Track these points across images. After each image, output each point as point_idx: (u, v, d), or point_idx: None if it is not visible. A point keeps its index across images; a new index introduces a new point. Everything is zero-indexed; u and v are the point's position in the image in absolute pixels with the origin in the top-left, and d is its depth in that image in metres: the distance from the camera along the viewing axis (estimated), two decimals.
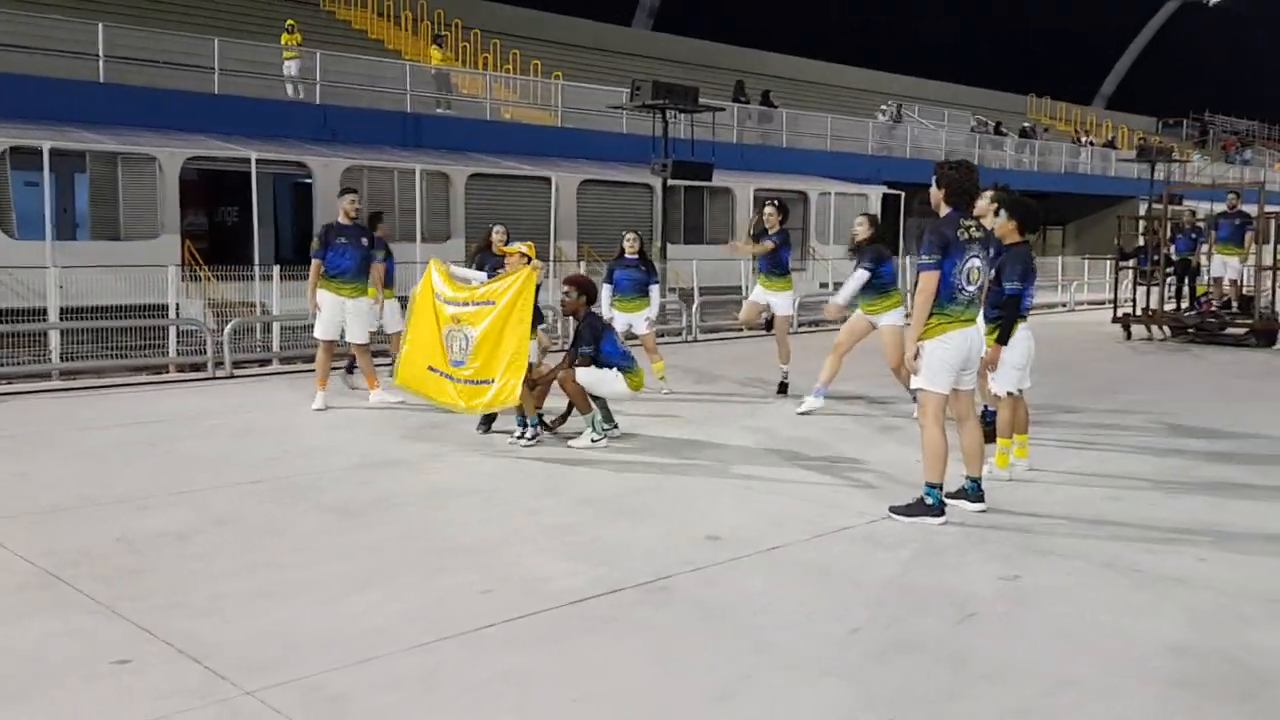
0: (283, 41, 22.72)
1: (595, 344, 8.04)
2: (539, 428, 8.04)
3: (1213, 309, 17.06)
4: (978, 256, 6.09)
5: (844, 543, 5.67)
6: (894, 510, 6.12)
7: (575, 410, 8.18)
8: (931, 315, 5.98)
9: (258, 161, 19.82)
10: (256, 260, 17.89)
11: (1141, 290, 17.45)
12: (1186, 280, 18.20)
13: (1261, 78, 65.95)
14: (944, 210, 6.15)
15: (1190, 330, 16.68)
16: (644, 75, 32.63)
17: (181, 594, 4.71)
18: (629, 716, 3.66)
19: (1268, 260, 16.23)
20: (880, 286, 9.22)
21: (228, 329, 12.44)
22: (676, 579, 5.03)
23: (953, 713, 3.71)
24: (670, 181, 20.18)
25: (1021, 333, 7.08)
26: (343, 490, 6.63)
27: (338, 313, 9.63)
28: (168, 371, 12.88)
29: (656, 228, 23.32)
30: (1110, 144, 44.09)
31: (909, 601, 4.80)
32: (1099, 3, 57.17)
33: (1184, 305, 17.84)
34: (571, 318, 8.53)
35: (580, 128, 26.00)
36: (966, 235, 6.07)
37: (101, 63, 18.76)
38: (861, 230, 9.43)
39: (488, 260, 10.12)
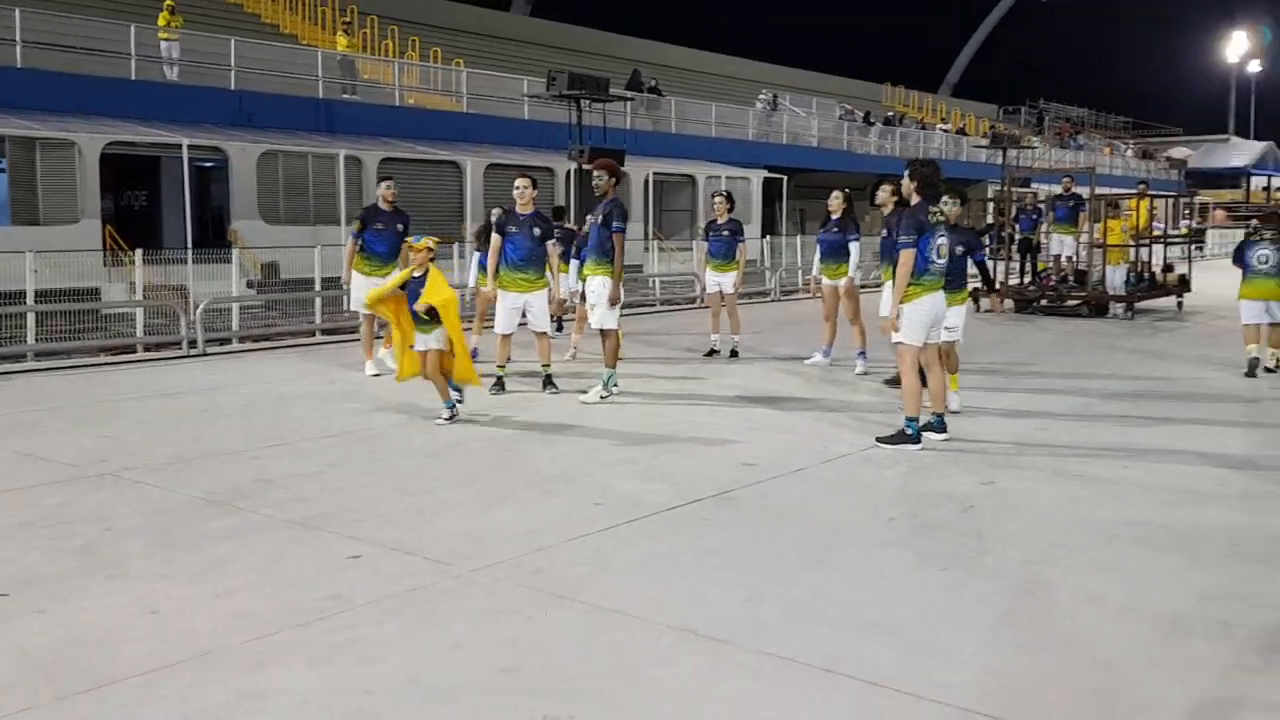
0: (160, 22, 22.61)
1: (626, 221, 9.11)
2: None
3: (1051, 284, 19.10)
4: (944, 236, 7.55)
5: (849, 465, 7.06)
6: (880, 440, 7.55)
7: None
8: (909, 284, 7.41)
9: (169, 146, 20.15)
10: (189, 243, 18.28)
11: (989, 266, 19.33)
12: (1029, 257, 20.10)
13: (1090, 69, 70.82)
14: (915, 199, 7.57)
15: (1035, 303, 18.60)
16: (527, 61, 33.70)
17: (355, 514, 5.75)
18: (760, 575, 4.92)
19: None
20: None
21: (199, 310, 13.10)
22: (737, 492, 6.32)
23: (988, 563, 5.11)
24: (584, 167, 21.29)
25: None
26: (414, 439, 7.69)
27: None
28: (135, 351, 13.44)
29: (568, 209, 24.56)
30: (961, 131, 47.01)
31: (920, 501, 6.21)
32: None
33: (1026, 280, 19.73)
34: (601, 200, 9.24)
35: (484, 114, 26.84)
36: (934, 219, 7.52)
37: (19, 48, 18.77)
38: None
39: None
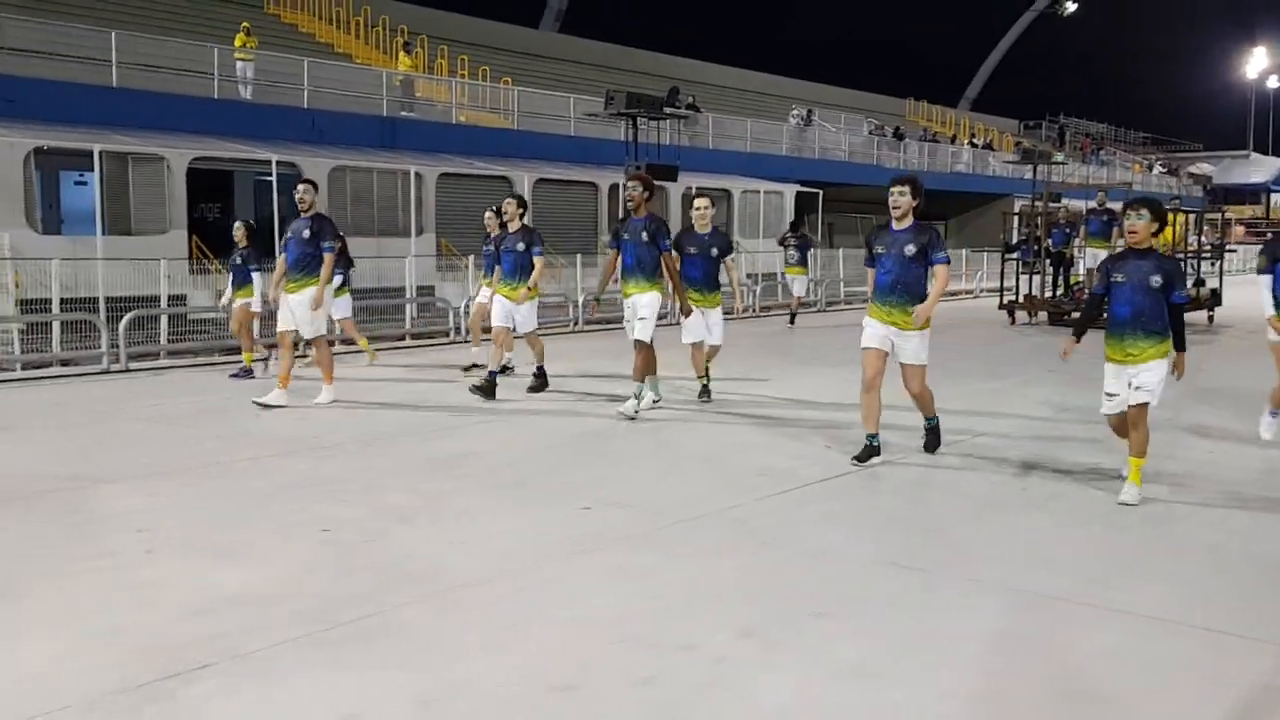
0: (237, 43, 23.89)
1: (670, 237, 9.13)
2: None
3: (1084, 296, 19.82)
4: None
5: (964, 450, 7.98)
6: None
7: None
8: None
9: (247, 161, 21.23)
10: (276, 254, 19.25)
11: (1024, 279, 20.13)
12: (1061, 270, 20.84)
13: (1108, 83, 71.70)
14: (912, 217, 7.40)
15: (1067, 315, 19.24)
16: (565, 78, 34.74)
17: (556, 478, 6.72)
18: (926, 527, 5.84)
19: None
20: None
21: None
22: (879, 468, 7.20)
23: (1119, 521, 6.02)
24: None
25: None
26: (562, 424, 8.67)
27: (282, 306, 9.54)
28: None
29: (602, 223, 25.92)
30: (988, 146, 47.98)
31: (1043, 476, 7.13)
32: (965, 12, 61.59)
33: (1059, 293, 20.41)
34: (633, 214, 9.23)
35: (533, 130, 27.92)
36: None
37: (115, 68, 19.86)
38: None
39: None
